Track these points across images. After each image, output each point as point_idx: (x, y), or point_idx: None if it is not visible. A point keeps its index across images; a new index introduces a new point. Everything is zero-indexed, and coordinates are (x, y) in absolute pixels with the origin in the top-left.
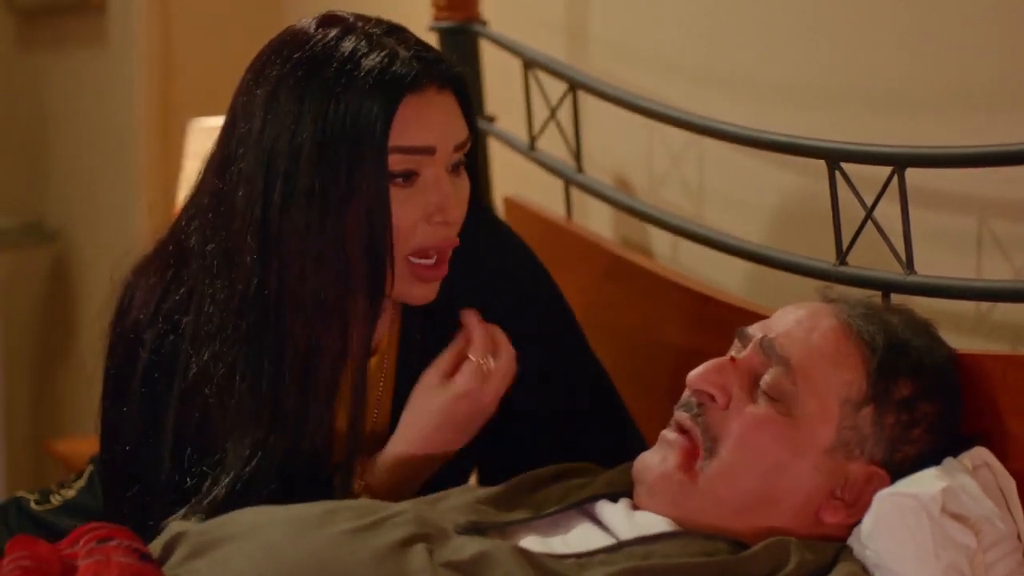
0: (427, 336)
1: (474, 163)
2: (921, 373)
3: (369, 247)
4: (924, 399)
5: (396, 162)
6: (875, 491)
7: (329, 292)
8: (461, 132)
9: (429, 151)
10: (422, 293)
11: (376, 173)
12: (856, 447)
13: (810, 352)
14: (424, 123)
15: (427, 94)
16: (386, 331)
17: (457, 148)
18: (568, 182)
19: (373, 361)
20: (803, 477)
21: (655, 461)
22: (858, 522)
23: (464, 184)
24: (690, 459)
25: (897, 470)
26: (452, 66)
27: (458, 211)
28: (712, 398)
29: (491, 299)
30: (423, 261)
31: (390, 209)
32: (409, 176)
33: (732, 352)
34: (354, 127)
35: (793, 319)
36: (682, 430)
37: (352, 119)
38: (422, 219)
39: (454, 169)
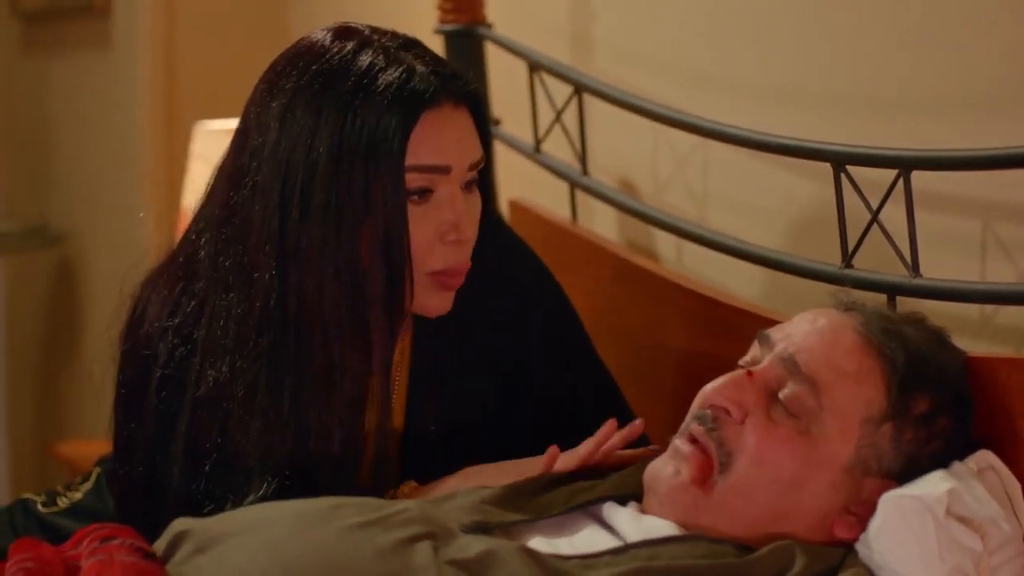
0: (438, 345)
1: (486, 175)
2: (939, 388)
3: (386, 262)
4: (941, 414)
5: (411, 180)
6: None
7: (348, 307)
8: (476, 151)
9: (444, 170)
10: (438, 304)
11: (393, 189)
12: (873, 463)
13: (833, 370)
14: (440, 141)
15: (444, 111)
16: (399, 342)
17: (472, 167)
18: (573, 185)
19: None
20: (819, 494)
21: (668, 473)
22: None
23: (476, 201)
24: (704, 473)
25: (907, 478)
26: (468, 82)
27: (471, 229)
28: (728, 412)
29: (497, 304)
30: (445, 280)
31: (407, 224)
32: (424, 193)
33: (749, 355)
34: (371, 142)
35: (814, 331)
36: (695, 441)
37: (369, 134)
38: (436, 237)
39: (467, 187)
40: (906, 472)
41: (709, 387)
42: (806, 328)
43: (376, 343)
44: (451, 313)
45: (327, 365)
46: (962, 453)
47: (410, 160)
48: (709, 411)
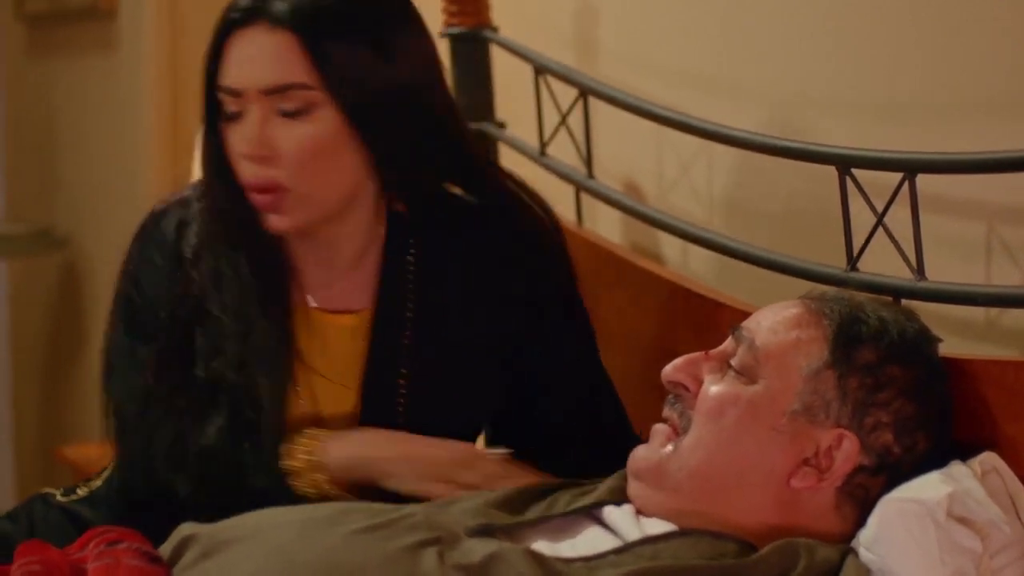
0: (407, 306)
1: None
2: (884, 338)
3: (207, 169)
4: (891, 363)
5: (224, 100)
6: (846, 455)
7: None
8: (272, 74)
9: (234, 92)
10: (271, 223)
11: (206, 105)
12: (820, 412)
13: (773, 331)
14: (235, 63)
15: (252, 31)
16: (363, 297)
17: (270, 92)
18: (579, 188)
19: (347, 322)
20: (765, 440)
21: (641, 451)
22: (862, 523)
23: (292, 128)
24: (669, 441)
25: (872, 437)
26: (296, 3)
27: (252, 147)
28: (686, 388)
29: (491, 283)
30: (253, 195)
31: (215, 137)
32: (236, 115)
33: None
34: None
35: (766, 310)
36: (665, 420)
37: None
38: (238, 154)
39: (285, 114)
40: (860, 421)
41: (668, 366)
42: (761, 311)
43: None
44: (431, 284)
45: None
46: (966, 455)
47: (219, 80)
48: (671, 390)
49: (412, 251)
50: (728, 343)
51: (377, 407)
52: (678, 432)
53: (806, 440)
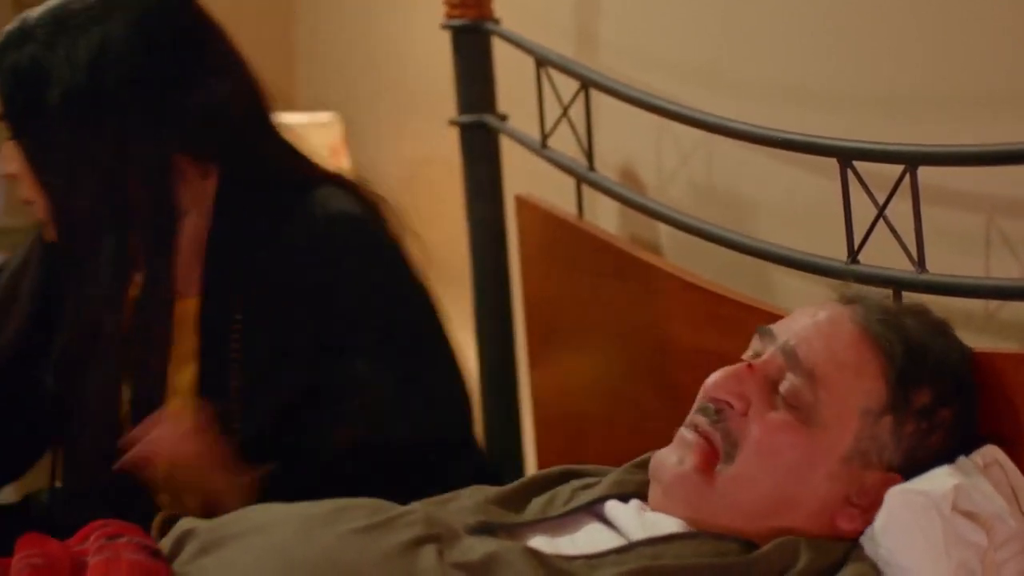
0: (234, 291)
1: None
2: (939, 379)
3: None
4: (942, 405)
5: None
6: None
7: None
8: None
9: None
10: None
11: None
12: (874, 455)
13: (831, 361)
14: None
15: None
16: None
17: None
18: (579, 180)
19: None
20: (818, 484)
21: (672, 461)
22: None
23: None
24: (708, 462)
25: (911, 472)
26: None
27: (14, 171)
28: (730, 405)
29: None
30: None
31: None
32: None
33: (751, 350)
34: None
35: (813, 324)
36: (700, 433)
37: None
38: None
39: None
40: (908, 464)
41: (710, 380)
42: (806, 321)
43: None
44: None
45: None
46: (967, 448)
47: None
48: (712, 404)
49: (237, 240)
50: (773, 358)
51: (212, 387)
52: (718, 452)
53: (855, 482)
